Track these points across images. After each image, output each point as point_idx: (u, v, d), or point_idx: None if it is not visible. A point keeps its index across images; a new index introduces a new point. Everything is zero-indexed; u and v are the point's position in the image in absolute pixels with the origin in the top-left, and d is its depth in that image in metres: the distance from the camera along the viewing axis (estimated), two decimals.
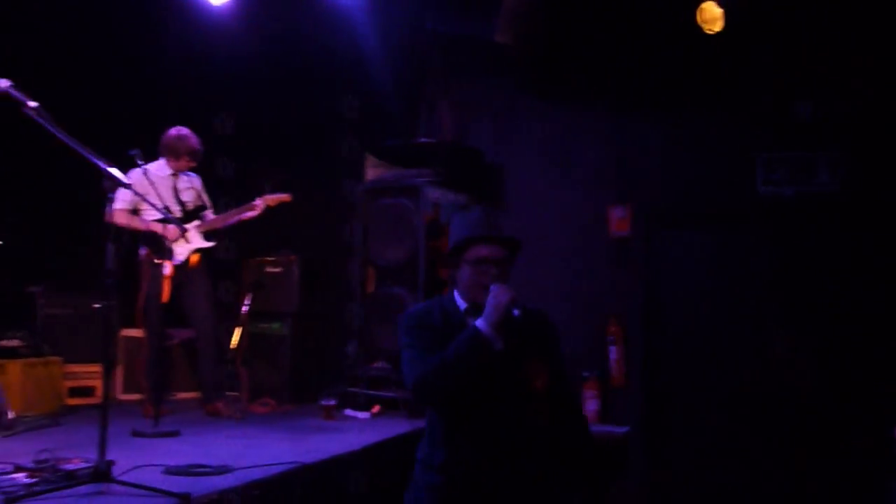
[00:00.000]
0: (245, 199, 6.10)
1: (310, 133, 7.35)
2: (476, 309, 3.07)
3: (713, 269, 6.52)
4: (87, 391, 6.45)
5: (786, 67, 6.13)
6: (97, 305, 6.60)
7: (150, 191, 5.28)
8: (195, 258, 5.97)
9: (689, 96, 6.38)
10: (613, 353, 6.36)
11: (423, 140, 6.84)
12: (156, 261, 5.75)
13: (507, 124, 6.98)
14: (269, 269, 6.92)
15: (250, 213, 6.02)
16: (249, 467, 3.98)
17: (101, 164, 3.72)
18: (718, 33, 5.81)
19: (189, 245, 5.93)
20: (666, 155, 6.53)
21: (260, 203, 5.99)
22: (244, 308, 6.59)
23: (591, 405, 6.26)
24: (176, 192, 5.97)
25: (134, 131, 5.54)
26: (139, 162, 5.21)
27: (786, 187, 6.24)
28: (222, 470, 3.93)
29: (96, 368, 6.41)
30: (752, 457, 6.19)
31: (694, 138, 6.46)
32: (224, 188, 6.45)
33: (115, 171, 3.74)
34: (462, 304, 3.18)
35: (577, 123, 6.79)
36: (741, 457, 6.22)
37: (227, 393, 6.24)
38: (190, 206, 6.05)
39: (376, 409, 6.02)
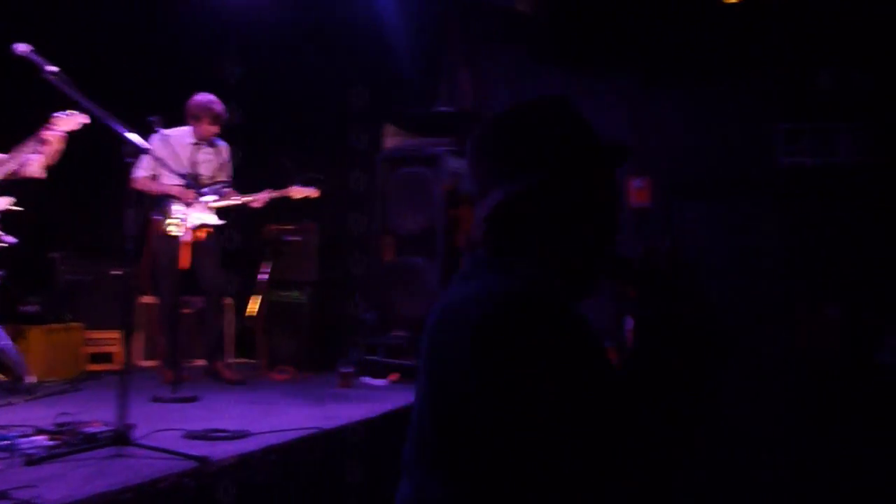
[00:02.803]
0: (260, 178, 6.09)
1: (326, 102, 7.32)
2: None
3: (733, 241, 6.47)
4: (107, 357, 6.50)
5: (807, 37, 6.04)
6: (116, 272, 6.64)
7: (169, 157, 5.27)
8: (202, 233, 5.94)
9: (709, 66, 6.31)
10: (630, 322, 6.34)
11: (442, 109, 6.81)
12: (166, 226, 5.74)
13: (526, 93, 6.92)
14: (289, 238, 6.92)
15: (257, 203, 6.03)
16: (268, 432, 4.01)
17: (121, 130, 3.73)
18: (738, 2, 5.73)
19: (200, 215, 5.90)
20: (686, 125, 6.47)
21: (264, 196, 6.00)
22: (263, 276, 6.62)
23: None
24: (194, 163, 5.92)
25: (158, 99, 5.53)
26: (157, 129, 5.20)
27: (807, 158, 6.17)
28: (240, 434, 3.97)
29: (116, 335, 6.46)
30: (772, 431, 6.16)
31: (714, 108, 6.39)
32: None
33: (134, 137, 3.75)
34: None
35: (595, 93, 6.72)
36: (760, 431, 6.18)
37: (248, 360, 6.26)
38: (205, 179, 5.96)
39: (394, 377, 6.04)
